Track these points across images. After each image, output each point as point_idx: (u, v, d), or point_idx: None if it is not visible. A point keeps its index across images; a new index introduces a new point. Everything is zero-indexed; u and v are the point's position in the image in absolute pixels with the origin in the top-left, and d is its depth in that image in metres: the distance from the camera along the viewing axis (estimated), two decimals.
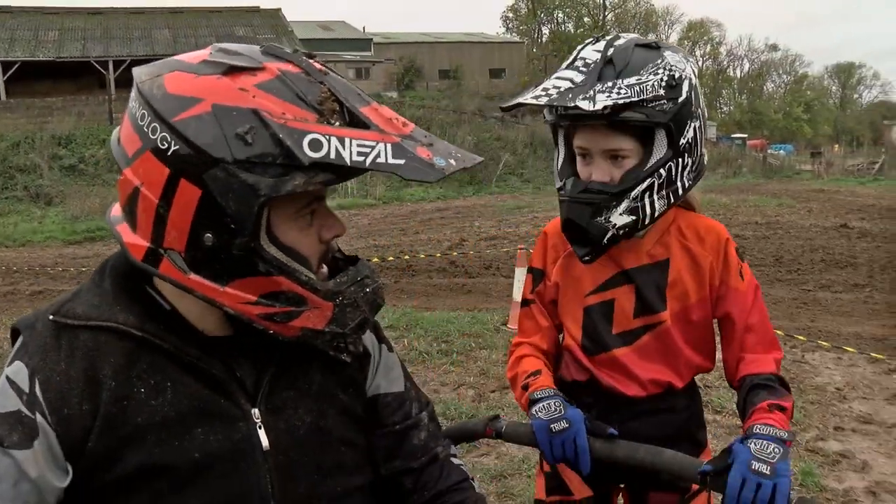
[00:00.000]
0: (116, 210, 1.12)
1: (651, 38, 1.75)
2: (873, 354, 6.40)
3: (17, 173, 24.13)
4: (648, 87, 1.56)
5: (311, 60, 1.06)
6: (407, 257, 12.27)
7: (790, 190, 26.91)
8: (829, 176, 35.81)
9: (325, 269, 1.15)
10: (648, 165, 1.62)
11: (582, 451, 1.58)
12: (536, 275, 1.92)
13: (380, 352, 1.35)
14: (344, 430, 1.23)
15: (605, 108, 1.52)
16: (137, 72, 1.06)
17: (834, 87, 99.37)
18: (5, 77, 32.56)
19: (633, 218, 1.64)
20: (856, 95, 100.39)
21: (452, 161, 1.02)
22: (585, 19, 74.99)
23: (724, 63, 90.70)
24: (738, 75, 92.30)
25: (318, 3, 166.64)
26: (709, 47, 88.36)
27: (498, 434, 1.66)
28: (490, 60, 57.96)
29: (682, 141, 1.62)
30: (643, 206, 1.64)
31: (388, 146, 0.98)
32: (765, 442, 1.45)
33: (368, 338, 1.33)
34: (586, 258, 1.71)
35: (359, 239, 15.21)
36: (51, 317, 1.09)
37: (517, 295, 6.90)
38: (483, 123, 35.71)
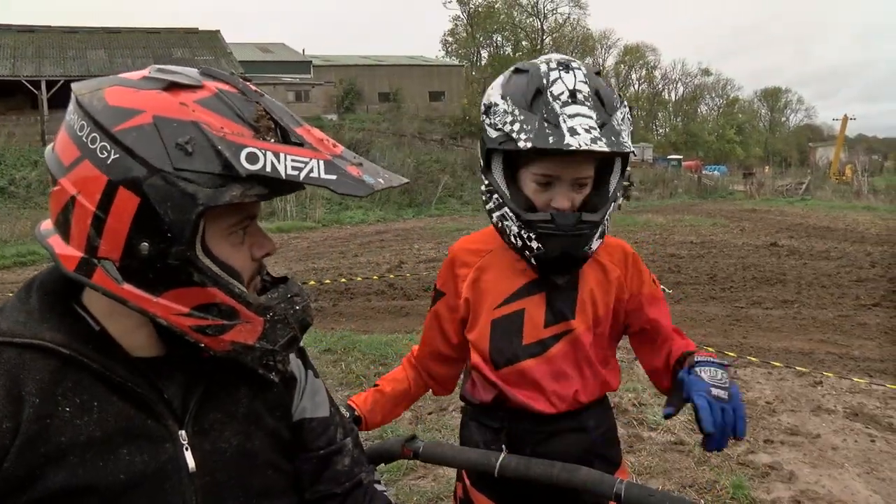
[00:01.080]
0: (47, 224, 1.11)
1: (589, 61, 1.78)
2: (799, 368, 6.60)
3: None
4: (628, 120, 1.61)
5: (246, 83, 1.10)
6: (345, 280, 12.20)
7: (724, 210, 27.73)
8: (760, 196, 37.01)
9: (257, 280, 1.18)
10: (612, 191, 1.66)
11: None
12: (437, 295, 1.92)
13: (306, 376, 1.36)
14: (270, 453, 1.23)
15: (625, 146, 1.56)
16: (77, 86, 1.08)
17: (763, 111, 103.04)
18: None
19: (601, 241, 1.69)
20: (783, 118, 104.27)
21: (381, 179, 1.07)
22: (524, 43, 76.07)
23: (660, 86, 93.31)
24: (673, 98, 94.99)
25: (257, 25, 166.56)
26: (644, 71, 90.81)
27: (416, 454, 1.65)
28: (430, 83, 58.46)
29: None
30: (606, 229, 1.69)
31: (321, 162, 1.03)
32: (712, 368, 1.51)
33: (295, 362, 1.34)
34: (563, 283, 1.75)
35: (297, 262, 15.05)
36: None
37: None
38: (423, 146, 35.86)
